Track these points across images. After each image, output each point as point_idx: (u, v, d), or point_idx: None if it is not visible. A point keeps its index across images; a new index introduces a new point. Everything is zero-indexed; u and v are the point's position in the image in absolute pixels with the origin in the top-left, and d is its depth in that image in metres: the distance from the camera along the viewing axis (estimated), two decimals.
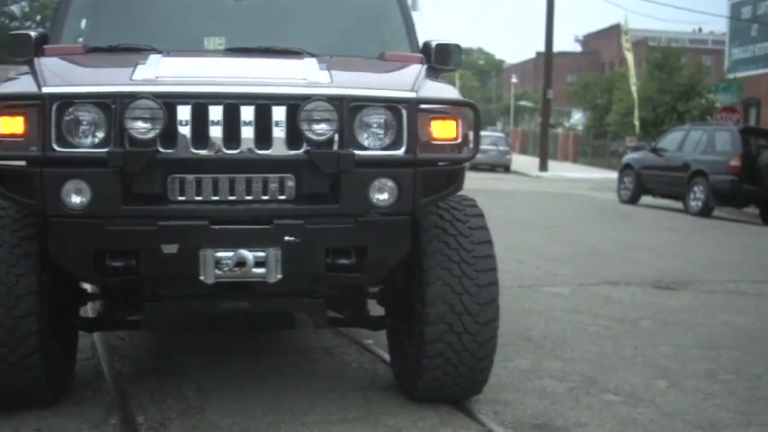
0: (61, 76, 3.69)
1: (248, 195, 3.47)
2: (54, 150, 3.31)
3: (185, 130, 3.38)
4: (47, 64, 3.81)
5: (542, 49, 34.68)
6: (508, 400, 4.34)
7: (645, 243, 10.90)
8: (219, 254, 3.38)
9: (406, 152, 3.54)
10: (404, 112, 3.54)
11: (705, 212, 16.19)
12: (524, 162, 37.19)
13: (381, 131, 3.55)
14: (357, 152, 3.47)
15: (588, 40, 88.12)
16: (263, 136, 3.44)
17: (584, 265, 8.77)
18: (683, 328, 5.98)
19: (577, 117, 52.45)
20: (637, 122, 28.27)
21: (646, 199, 18.66)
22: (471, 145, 3.75)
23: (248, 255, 3.38)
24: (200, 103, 3.39)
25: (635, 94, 28.44)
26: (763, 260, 9.93)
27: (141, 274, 3.47)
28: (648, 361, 5.13)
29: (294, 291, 3.92)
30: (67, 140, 3.34)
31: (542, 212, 14.97)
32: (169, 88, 3.42)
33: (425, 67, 4.37)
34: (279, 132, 3.45)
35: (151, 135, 3.30)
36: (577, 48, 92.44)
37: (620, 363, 5.08)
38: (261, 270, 3.41)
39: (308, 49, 4.36)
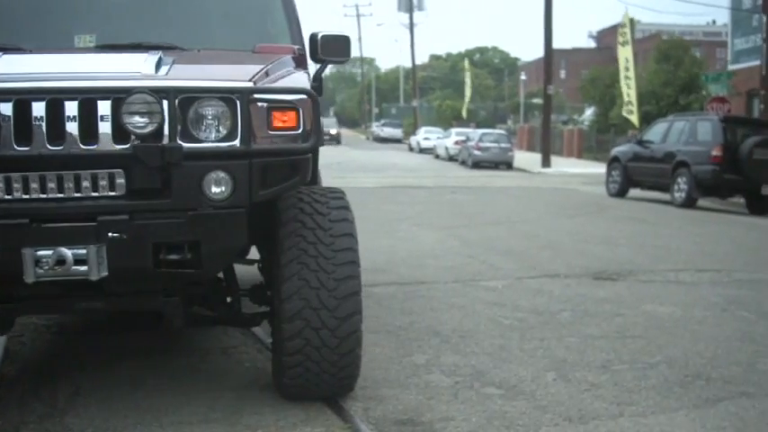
0: None
1: (77, 192, 3.40)
2: None
3: (7, 128, 3.32)
4: None
5: (556, 46, 34.49)
6: (385, 395, 4.25)
7: (607, 235, 10.73)
8: (40, 252, 3.32)
9: (241, 143, 3.46)
10: (237, 102, 3.46)
11: (689, 203, 15.97)
12: (528, 159, 36.90)
13: (215, 123, 3.47)
14: (189, 145, 3.41)
15: (602, 36, 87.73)
16: (89, 131, 3.37)
17: (533, 258, 8.64)
18: (599, 319, 5.86)
19: (589, 112, 52.07)
20: (630, 116, 27.93)
21: (635, 192, 18.44)
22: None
23: (67, 252, 3.31)
24: (22, 100, 3.33)
25: (628, 89, 28.10)
26: (720, 249, 9.73)
27: None
28: (548, 353, 5.01)
29: (144, 289, 3.88)
30: None
31: (518, 207, 14.81)
32: None
33: (290, 58, 4.32)
34: (105, 127, 3.39)
35: None
36: (591, 44, 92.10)
37: (519, 355, 4.97)
38: (83, 268, 3.34)
39: (184, 43, 4.33)
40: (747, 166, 15.36)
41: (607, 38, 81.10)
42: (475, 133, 36.67)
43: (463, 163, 35.13)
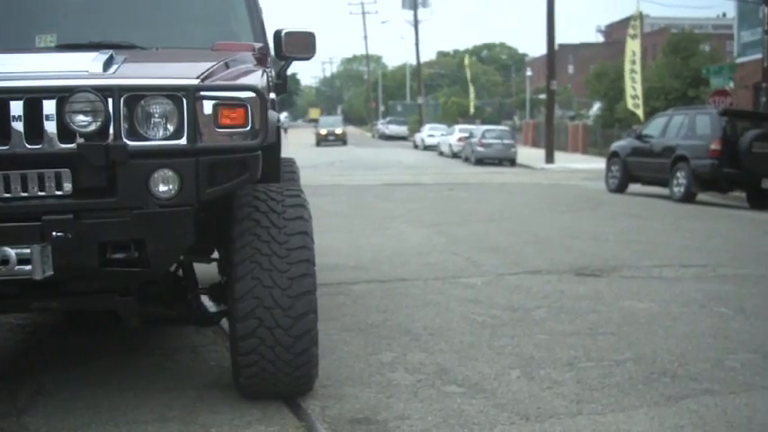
0: None
1: (24, 192, 3.40)
2: None
3: None
4: None
5: (564, 41, 34.38)
6: (345, 394, 4.22)
7: (596, 231, 10.64)
8: None
9: (188, 141, 3.44)
10: (184, 100, 3.44)
11: (688, 198, 15.85)
12: (532, 155, 36.76)
13: (162, 121, 3.46)
14: (135, 143, 3.40)
15: (611, 31, 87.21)
16: (35, 130, 3.37)
17: (517, 254, 8.59)
18: (573, 316, 5.80)
19: (596, 107, 51.86)
20: (637, 110, 27.78)
21: (635, 187, 18.32)
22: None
23: (10, 252, 3.30)
24: None
25: (633, 82, 27.94)
26: (709, 244, 9.64)
27: None
28: (516, 350, 4.97)
29: (98, 288, 3.87)
30: None
31: (512, 204, 14.73)
32: None
33: (249, 55, 4.30)
34: (51, 126, 3.38)
35: None
36: (600, 38, 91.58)
37: (487, 353, 4.93)
38: (27, 267, 3.33)
39: (147, 42, 4.34)
40: (747, 160, 15.23)
41: (615, 32, 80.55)
42: (478, 130, 36.59)
43: (466, 160, 35.08)
